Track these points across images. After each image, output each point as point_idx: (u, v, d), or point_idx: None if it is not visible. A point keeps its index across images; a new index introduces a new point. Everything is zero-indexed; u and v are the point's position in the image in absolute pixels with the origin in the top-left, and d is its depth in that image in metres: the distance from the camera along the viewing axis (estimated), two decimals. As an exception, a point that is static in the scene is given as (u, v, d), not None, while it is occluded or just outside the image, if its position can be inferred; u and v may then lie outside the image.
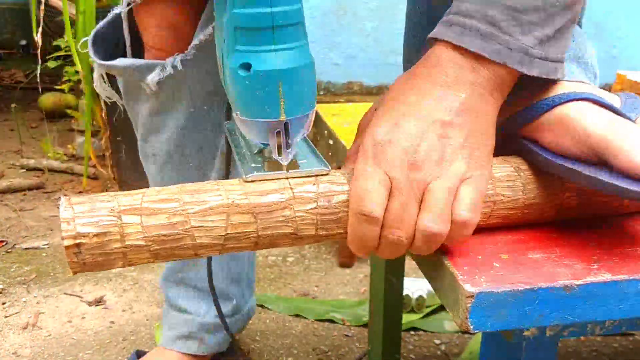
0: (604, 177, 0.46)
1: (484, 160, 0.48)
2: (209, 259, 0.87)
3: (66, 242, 0.44)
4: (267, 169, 0.50)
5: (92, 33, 0.82)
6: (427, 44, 0.52)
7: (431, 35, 0.51)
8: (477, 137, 0.48)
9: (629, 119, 0.51)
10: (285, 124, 0.48)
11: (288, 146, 0.49)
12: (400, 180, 0.46)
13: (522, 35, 0.48)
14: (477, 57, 0.48)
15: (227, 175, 0.81)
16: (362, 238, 0.47)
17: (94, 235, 0.44)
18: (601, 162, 0.48)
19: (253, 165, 0.51)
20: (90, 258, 0.45)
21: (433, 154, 0.46)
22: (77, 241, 0.44)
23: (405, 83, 0.51)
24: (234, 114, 0.50)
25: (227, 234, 0.46)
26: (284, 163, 0.49)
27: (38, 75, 1.63)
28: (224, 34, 0.50)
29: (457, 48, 0.48)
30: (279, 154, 0.49)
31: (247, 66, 0.46)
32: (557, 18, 0.49)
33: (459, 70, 0.48)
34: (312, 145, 0.56)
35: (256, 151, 0.54)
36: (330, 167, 0.50)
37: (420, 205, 0.46)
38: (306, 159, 0.52)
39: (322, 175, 0.49)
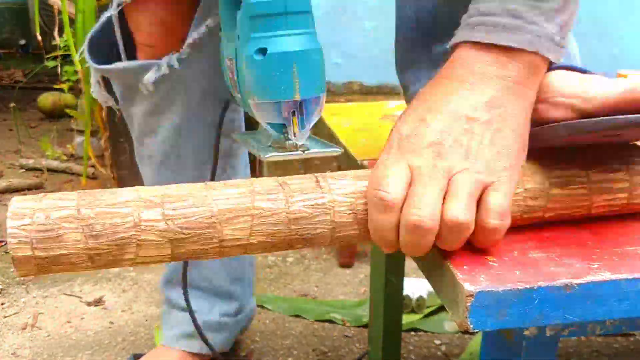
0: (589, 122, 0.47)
1: (513, 160, 0.47)
2: (185, 265, 0.89)
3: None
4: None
5: (87, 38, 0.82)
6: (450, 50, 0.52)
7: (455, 40, 0.51)
8: (505, 135, 0.47)
9: None
10: (300, 103, 0.52)
11: (303, 126, 0.52)
12: (423, 167, 0.45)
13: (546, 23, 0.48)
14: (506, 51, 0.48)
15: (213, 175, 0.82)
16: (379, 228, 0.45)
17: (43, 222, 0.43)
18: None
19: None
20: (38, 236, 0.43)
21: (459, 148, 0.46)
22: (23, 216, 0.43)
23: (432, 85, 0.51)
24: (249, 101, 0.54)
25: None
26: (299, 143, 0.53)
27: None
28: (236, 29, 0.55)
29: (482, 47, 0.49)
30: (295, 134, 0.53)
31: (263, 51, 0.51)
32: (571, 3, 0.50)
33: (486, 67, 0.48)
34: (316, 136, 0.59)
35: (269, 144, 0.57)
36: (340, 150, 0.56)
37: (444, 195, 0.45)
38: (316, 146, 0.57)
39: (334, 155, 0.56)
